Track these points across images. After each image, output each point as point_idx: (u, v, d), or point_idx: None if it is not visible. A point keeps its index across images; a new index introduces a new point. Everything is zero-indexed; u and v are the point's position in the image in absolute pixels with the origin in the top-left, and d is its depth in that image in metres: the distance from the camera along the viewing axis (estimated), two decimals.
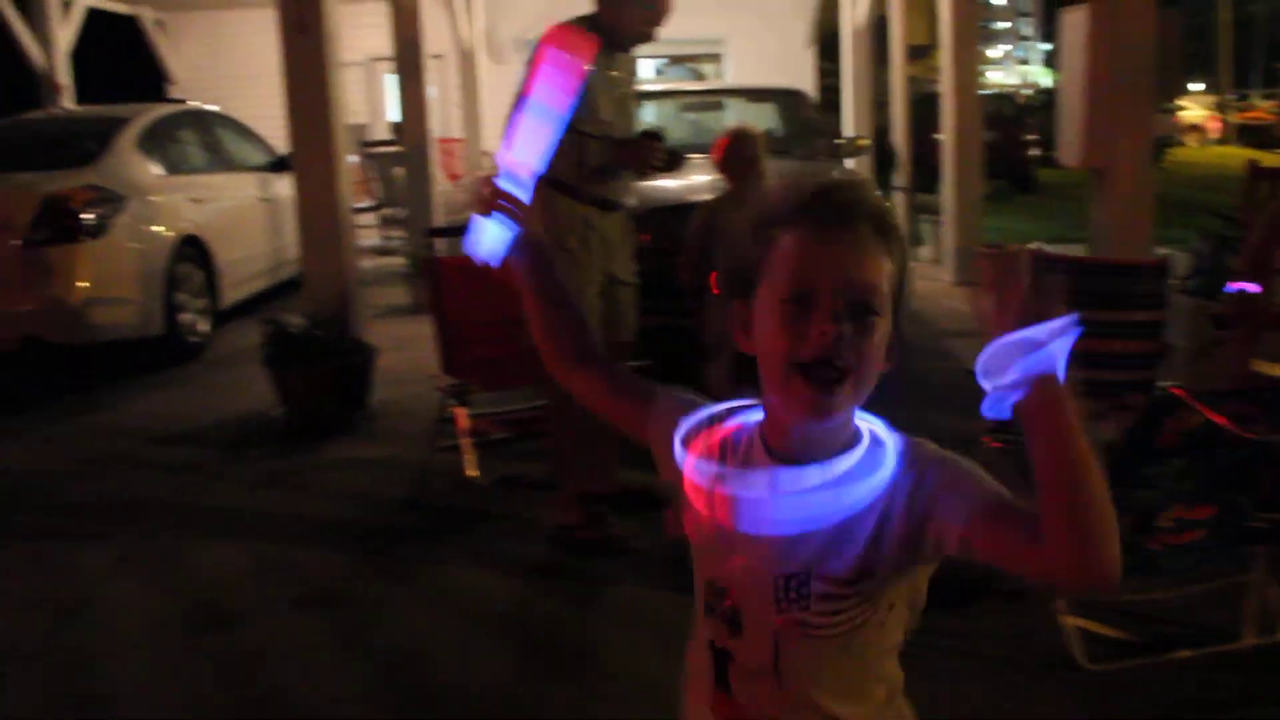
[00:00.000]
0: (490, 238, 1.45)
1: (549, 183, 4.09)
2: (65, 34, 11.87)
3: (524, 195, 1.44)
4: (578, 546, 4.03)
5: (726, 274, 1.37)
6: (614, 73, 4.12)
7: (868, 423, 1.32)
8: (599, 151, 3.97)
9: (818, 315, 1.20)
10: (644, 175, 4.26)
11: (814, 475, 1.25)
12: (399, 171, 10.88)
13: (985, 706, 2.94)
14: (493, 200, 1.44)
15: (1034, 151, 17.01)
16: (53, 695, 3.20)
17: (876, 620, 1.28)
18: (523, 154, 1.44)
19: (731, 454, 1.34)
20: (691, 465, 1.34)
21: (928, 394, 5.78)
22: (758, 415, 1.36)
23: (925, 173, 12.27)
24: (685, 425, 1.37)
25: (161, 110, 8.35)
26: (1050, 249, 5.98)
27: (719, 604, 1.32)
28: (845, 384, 1.22)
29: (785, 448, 1.29)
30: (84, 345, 6.62)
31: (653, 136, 4.20)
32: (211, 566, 4.04)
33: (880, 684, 1.34)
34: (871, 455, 1.27)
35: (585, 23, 4.06)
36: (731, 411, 1.39)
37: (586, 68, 1.43)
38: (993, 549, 1.17)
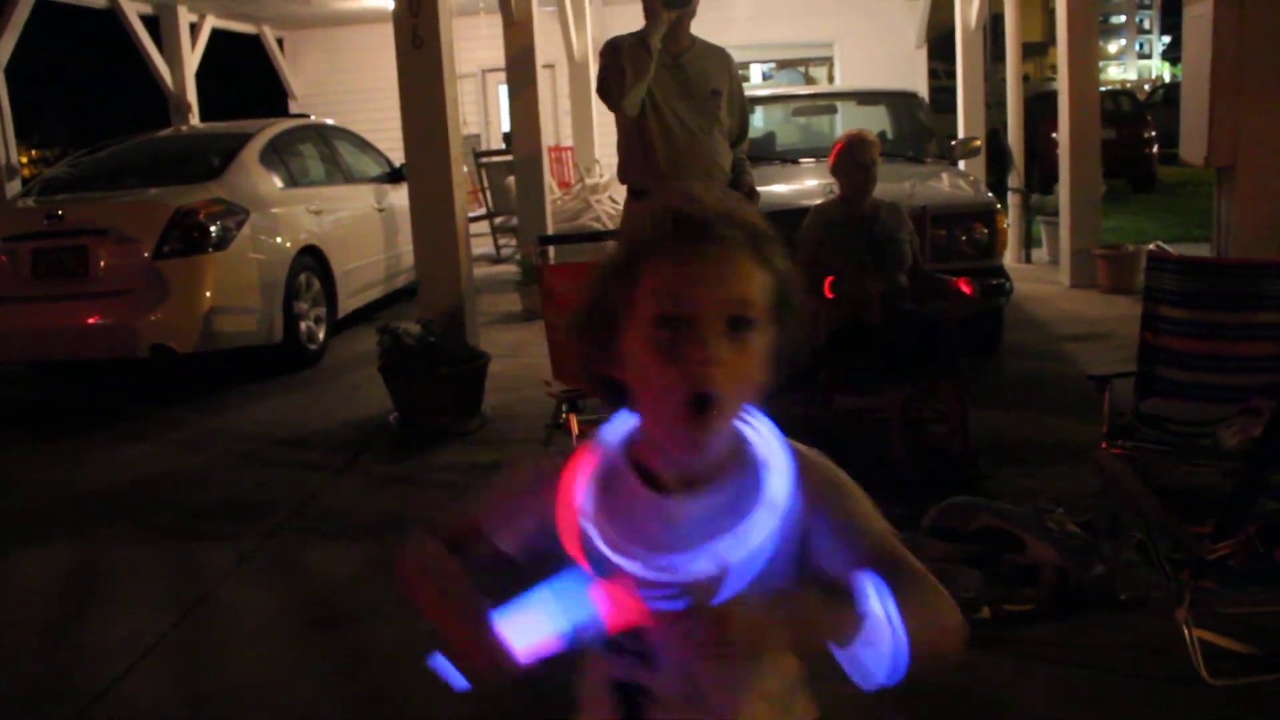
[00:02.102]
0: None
1: (630, 191, 4.16)
2: (193, 56, 12.35)
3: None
4: None
5: (588, 309, 1.25)
6: (685, 70, 4.20)
7: (750, 427, 1.25)
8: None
9: (690, 342, 1.14)
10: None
11: (740, 538, 1.17)
12: (510, 180, 11.03)
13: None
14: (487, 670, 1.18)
15: (1155, 149, 16.52)
16: (172, 688, 3.32)
17: None
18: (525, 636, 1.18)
19: (604, 490, 1.25)
20: (601, 547, 1.22)
21: (1044, 398, 5.70)
22: (617, 436, 1.30)
23: (1041, 173, 12.03)
24: (552, 489, 1.27)
25: (282, 125, 8.58)
26: (1171, 249, 5.81)
27: (631, 644, 1.24)
28: (723, 413, 1.17)
29: (664, 473, 1.24)
30: (208, 353, 6.83)
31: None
32: (328, 567, 4.14)
33: (793, 680, 1.33)
34: (766, 478, 1.21)
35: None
36: (584, 446, 1.30)
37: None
38: None
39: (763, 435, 1.25)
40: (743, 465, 1.23)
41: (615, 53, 4.42)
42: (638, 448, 1.28)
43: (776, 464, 1.22)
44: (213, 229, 6.70)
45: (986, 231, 6.02)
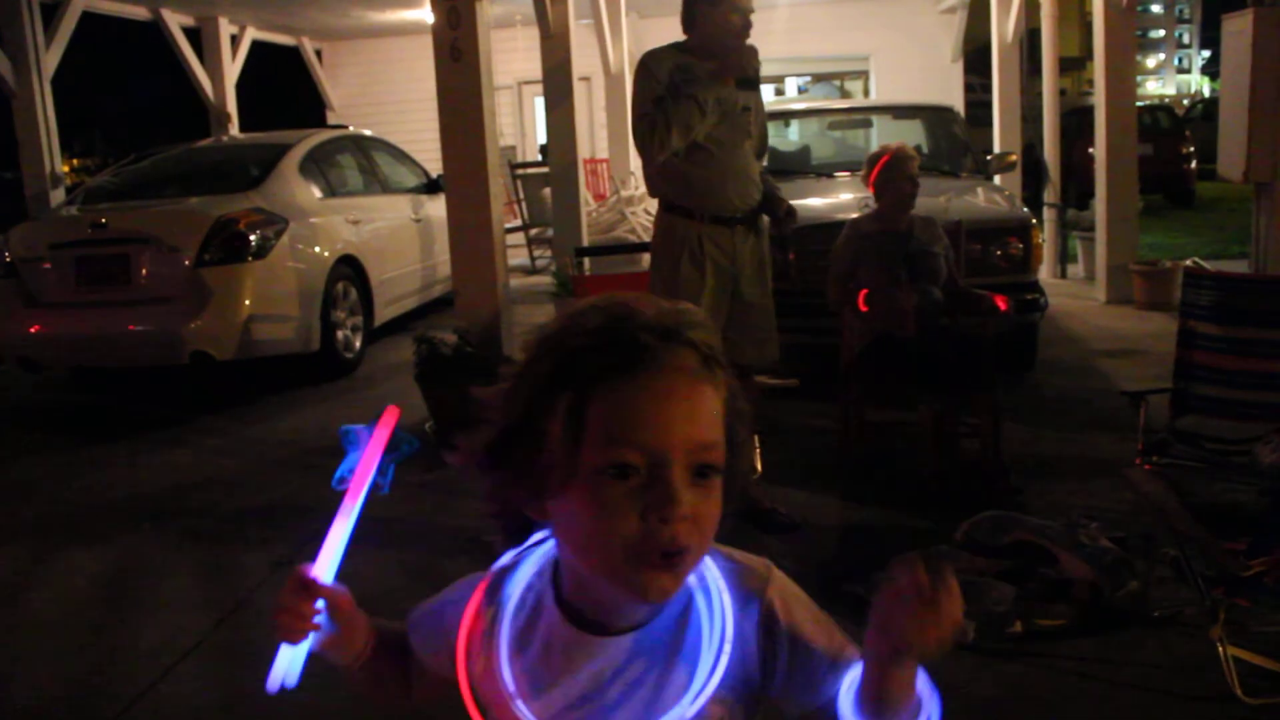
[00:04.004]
0: (295, 659, 1.18)
1: (664, 206, 4.17)
2: (233, 66, 12.54)
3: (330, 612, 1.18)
4: None
5: (508, 433, 1.05)
6: (722, 96, 4.13)
7: None
8: (708, 88, 4.03)
9: (656, 496, 0.97)
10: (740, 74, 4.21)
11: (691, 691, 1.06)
12: (546, 192, 11.10)
13: None
14: (306, 621, 1.15)
15: (1193, 165, 16.40)
16: (211, 690, 3.36)
17: None
18: (330, 560, 1.20)
19: (520, 638, 1.13)
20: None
21: (1078, 414, 5.69)
22: (532, 568, 1.16)
23: (1077, 188, 11.99)
24: (452, 630, 1.17)
25: (320, 135, 8.68)
26: (1209, 265, 5.79)
27: None
28: (686, 566, 1.02)
29: (595, 613, 1.09)
30: (247, 361, 6.91)
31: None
32: (363, 574, 4.17)
33: None
34: (711, 606, 1.09)
35: (681, 49, 4.14)
36: (488, 583, 1.18)
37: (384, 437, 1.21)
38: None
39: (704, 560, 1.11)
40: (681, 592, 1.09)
41: (656, 99, 4.08)
42: (564, 589, 1.11)
43: (719, 588, 1.10)
44: (252, 238, 6.79)
45: (1022, 246, 6.01)
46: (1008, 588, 3.44)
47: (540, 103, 10.93)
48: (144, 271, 6.73)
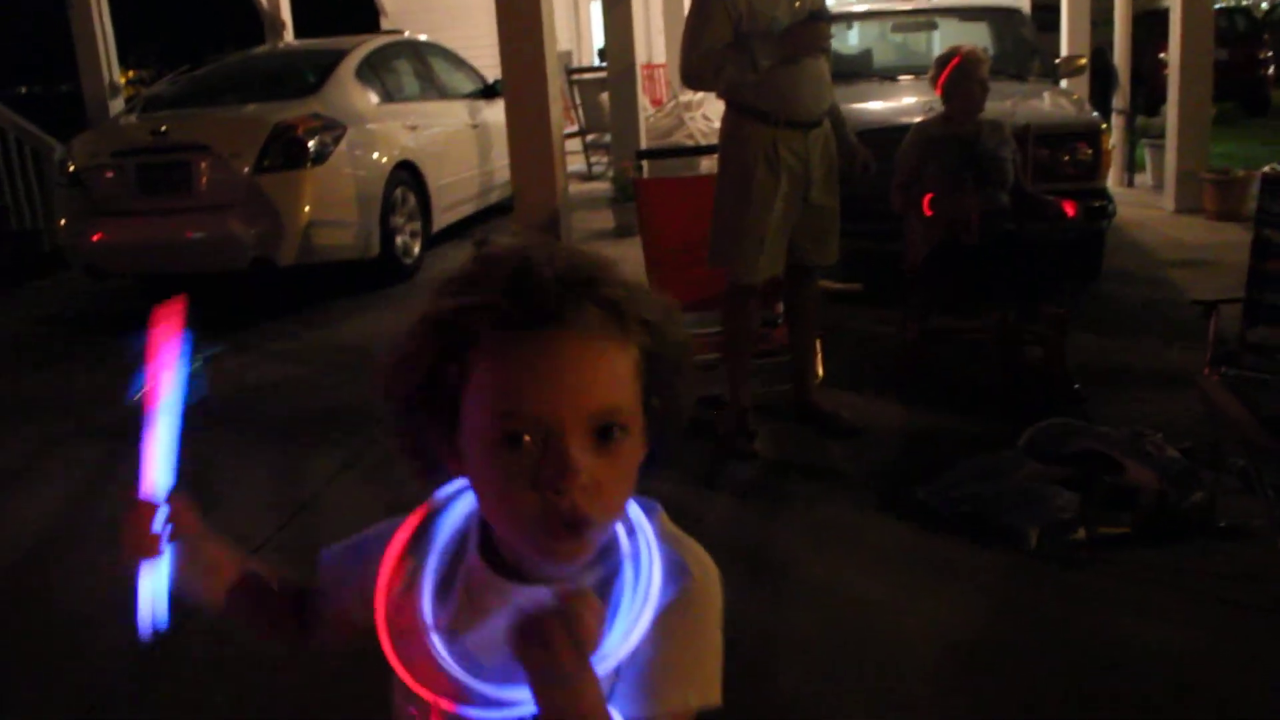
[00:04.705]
0: (158, 594, 1.11)
1: (736, 109, 4.09)
2: None
3: (175, 522, 1.14)
4: (731, 453, 4.15)
5: (399, 376, 1.01)
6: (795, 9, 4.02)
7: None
8: (768, 51, 3.92)
9: (550, 466, 0.91)
10: (813, 56, 4.07)
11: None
12: (604, 97, 10.99)
13: (1204, 647, 2.81)
14: (153, 539, 1.12)
15: (1270, 71, 15.88)
16: None
17: None
18: (158, 473, 1.16)
19: (444, 569, 1.08)
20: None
21: (1145, 323, 5.59)
22: (464, 508, 1.10)
23: (1147, 94, 11.65)
24: (371, 567, 1.10)
25: (377, 41, 8.63)
26: None
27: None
28: (593, 531, 0.95)
29: (514, 561, 1.03)
30: (307, 266, 6.96)
31: (818, 18, 4.07)
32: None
33: None
34: (640, 568, 1.01)
35: None
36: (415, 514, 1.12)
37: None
38: None
39: (636, 523, 1.04)
40: (609, 548, 1.03)
41: (723, 43, 3.96)
42: (488, 538, 1.06)
43: (650, 565, 1.01)
44: (311, 144, 6.80)
45: (1091, 152, 5.87)
46: (1072, 495, 3.41)
47: (597, 7, 10.79)
48: (204, 179, 6.77)
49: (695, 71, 4.08)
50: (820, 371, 4.56)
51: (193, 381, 1.16)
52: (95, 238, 7.00)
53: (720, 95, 4.17)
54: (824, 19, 4.10)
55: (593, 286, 0.94)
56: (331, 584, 1.19)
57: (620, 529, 1.03)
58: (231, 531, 3.78)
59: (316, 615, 1.21)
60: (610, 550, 1.02)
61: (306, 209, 6.77)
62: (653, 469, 1.02)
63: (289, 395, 5.35)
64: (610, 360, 0.94)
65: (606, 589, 1.00)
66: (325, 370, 5.70)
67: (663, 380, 0.99)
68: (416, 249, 7.80)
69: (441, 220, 8.30)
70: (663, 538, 1.04)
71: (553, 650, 0.85)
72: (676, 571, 1.01)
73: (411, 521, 1.11)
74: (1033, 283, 4.49)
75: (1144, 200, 9.19)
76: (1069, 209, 4.59)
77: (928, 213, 4.55)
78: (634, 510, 1.04)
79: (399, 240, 7.52)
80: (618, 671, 0.98)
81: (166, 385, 1.16)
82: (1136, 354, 5.07)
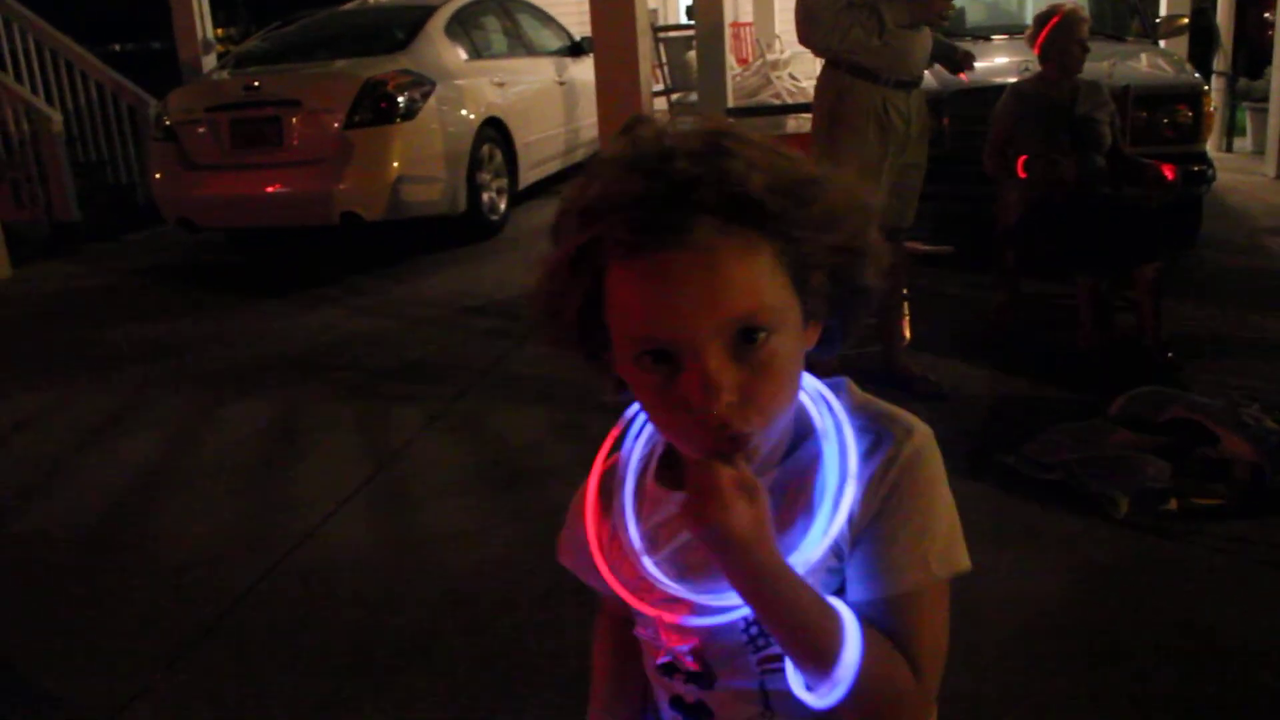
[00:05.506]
0: None
1: (848, 68, 4.03)
2: None
3: None
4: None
5: (547, 310, 0.99)
6: None
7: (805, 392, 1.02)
8: (895, 15, 3.87)
9: (691, 384, 0.87)
10: (934, 25, 4.07)
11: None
12: (690, 56, 10.91)
13: None
14: None
15: None
16: (374, 533, 3.52)
17: None
18: None
19: (637, 500, 1.09)
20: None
21: (1243, 292, 5.45)
22: (641, 435, 1.11)
23: (1250, 55, 11.28)
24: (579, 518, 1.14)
25: None
26: None
27: (680, 666, 1.08)
28: (750, 442, 0.91)
29: None
30: (395, 221, 7.03)
31: None
32: (512, 428, 4.29)
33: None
34: (836, 451, 0.98)
35: None
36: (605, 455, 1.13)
37: None
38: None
39: (826, 402, 1.01)
40: (803, 433, 1.01)
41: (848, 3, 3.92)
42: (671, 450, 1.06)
43: (843, 439, 0.98)
44: (400, 99, 6.85)
45: (1191, 114, 5.71)
46: (1164, 464, 3.35)
47: None
48: (295, 134, 6.87)
49: (824, 32, 4.00)
50: (908, 334, 4.51)
51: None
52: (189, 191, 7.14)
53: (826, 56, 4.11)
54: None
55: (717, 186, 0.86)
56: (577, 569, 1.19)
57: (813, 410, 1.00)
58: (324, 479, 3.88)
59: (619, 618, 1.20)
60: (804, 439, 1.01)
61: (395, 164, 6.83)
62: (833, 345, 1.00)
63: (376, 349, 5.43)
64: (734, 265, 0.87)
65: (808, 477, 0.98)
66: (412, 325, 5.78)
67: (814, 253, 0.92)
68: (503, 206, 7.84)
69: (527, 177, 8.33)
70: (855, 410, 1.01)
71: (719, 499, 0.86)
72: (877, 439, 0.99)
73: (597, 468, 1.13)
74: (1129, 247, 4.39)
75: (1244, 166, 8.94)
76: (1168, 173, 4.48)
77: (1022, 175, 4.46)
78: (818, 389, 1.02)
79: (485, 197, 7.57)
80: (839, 556, 0.97)
81: None
82: (1233, 323, 4.94)
